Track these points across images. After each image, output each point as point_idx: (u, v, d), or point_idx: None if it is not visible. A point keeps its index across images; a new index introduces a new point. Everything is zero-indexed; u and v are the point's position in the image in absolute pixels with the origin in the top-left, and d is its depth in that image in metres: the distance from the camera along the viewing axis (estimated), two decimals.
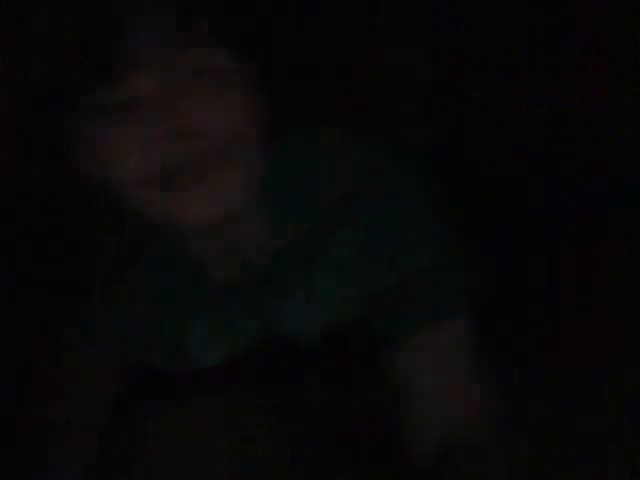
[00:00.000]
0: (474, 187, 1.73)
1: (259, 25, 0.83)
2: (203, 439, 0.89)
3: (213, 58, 0.78)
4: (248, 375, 0.93)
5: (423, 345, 0.90)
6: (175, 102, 0.76)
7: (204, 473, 0.89)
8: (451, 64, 1.72)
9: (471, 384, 0.90)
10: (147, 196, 0.78)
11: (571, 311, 1.56)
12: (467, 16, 1.70)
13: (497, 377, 0.96)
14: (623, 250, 1.61)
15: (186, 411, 0.90)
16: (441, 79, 1.71)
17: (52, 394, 0.96)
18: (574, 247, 1.64)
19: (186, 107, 0.76)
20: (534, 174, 1.73)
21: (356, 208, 0.90)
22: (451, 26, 1.70)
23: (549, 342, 1.52)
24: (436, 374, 0.90)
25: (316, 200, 0.89)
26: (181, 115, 0.76)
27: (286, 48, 0.87)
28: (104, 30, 0.73)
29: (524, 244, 1.63)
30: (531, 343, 1.49)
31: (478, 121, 1.76)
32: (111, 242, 0.90)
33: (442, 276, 0.92)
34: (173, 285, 0.91)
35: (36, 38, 0.74)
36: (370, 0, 1.59)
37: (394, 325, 0.90)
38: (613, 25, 1.67)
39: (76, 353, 0.94)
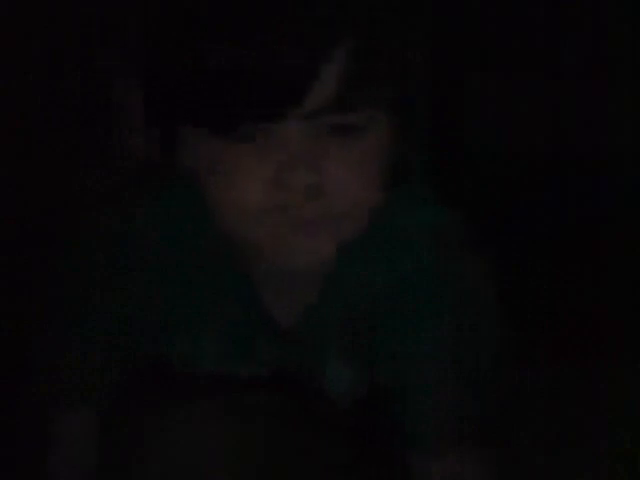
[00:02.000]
0: (474, 187, 1.73)
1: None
2: (203, 439, 0.89)
3: (365, 117, 0.76)
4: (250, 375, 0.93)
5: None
6: (314, 158, 0.73)
7: (204, 473, 0.89)
8: (451, 64, 1.71)
9: None
10: (253, 229, 0.76)
11: (571, 311, 1.56)
12: (467, 16, 1.70)
13: (497, 377, 0.95)
14: (623, 250, 1.61)
15: (186, 411, 0.90)
16: (441, 79, 1.70)
17: (52, 394, 0.97)
18: (574, 247, 1.64)
19: (325, 165, 0.74)
20: (534, 174, 1.73)
21: None
22: (451, 26, 1.69)
23: (549, 342, 1.52)
24: None
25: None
26: (317, 172, 0.73)
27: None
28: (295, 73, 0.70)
29: (524, 244, 1.63)
30: (531, 343, 1.49)
31: (478, 121, 1.76)
32: (111, 242, 0.90)
33: None
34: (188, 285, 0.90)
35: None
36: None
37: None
38: (613, 25, 1.67)
39: (76, 352, 0.94)
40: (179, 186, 0.84)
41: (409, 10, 0.78)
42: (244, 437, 0.89)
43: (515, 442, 1.30)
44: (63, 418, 0.98)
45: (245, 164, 0.75)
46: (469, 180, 1.73)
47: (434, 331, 0.85)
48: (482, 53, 1.72)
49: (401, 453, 0.88)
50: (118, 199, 0.89)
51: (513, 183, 1.73)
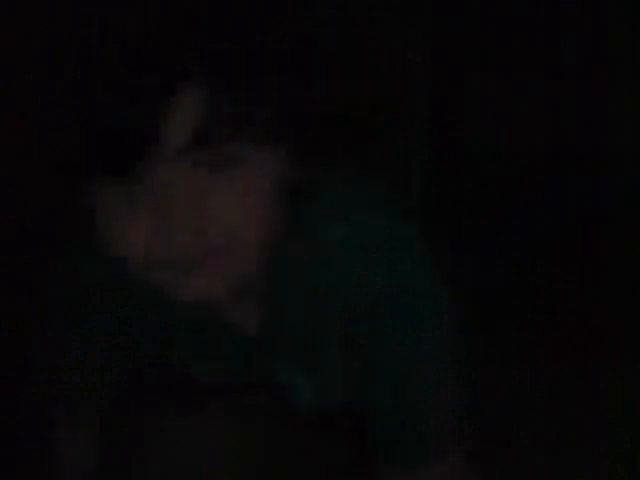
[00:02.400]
0: (474, 187, 1.73)
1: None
2: (203, 439, 0.89)
3: (246, 149, 0.73)
4: (248, 377, 0.94)
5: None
6: (197, 197, 0.73)
7: (204, 474, 0.89)
8: (451, 64, 1.72)
9: None
10: (149, 272, 0.77)
11: (571, 311, 1.57)
12: (467, 16, 1.70)
13: (497, 377, 0.96)
14: (623, 250, 1.62)
15: (186, 411, 0.90)
16: (441, 79, 1.71)
17: (52, 394, 0.97)
18: (574, 247, 1.64)
19: (208, 203, 0.73)
20: (534, 174, 1.73)
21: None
22: (451, 26, 1.70)
23: (549, 342, 1.52)
24: None
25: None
26: (201, 211, 0.73)
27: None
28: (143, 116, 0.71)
29: (524, 244, 1.63)
30: (531, 343, 1.49)
31: (478, 121, 1.76)
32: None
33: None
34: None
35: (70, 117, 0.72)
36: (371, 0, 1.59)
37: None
38: (613, 25, 1.68)
39: (76, 352, 0.94)
40: None
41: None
42: (244, 437, 0.89)
43: (515, 442, 1.30)
44: (63, 418, 0.98)
45: (124, 211, 0.75)
46: (469, 180, 1.74)
47: (407, 341, 0.85)
48: (482, 53, 1.72)
49: (389, 462, 0.88)
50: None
51: (513, 183, 1.73)
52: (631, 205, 1.67)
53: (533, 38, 1.70)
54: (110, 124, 0.70)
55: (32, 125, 0.76)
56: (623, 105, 1.69)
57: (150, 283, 0.78)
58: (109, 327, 0.93)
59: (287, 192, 0.78)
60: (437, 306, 0.85)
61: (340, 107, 0.86)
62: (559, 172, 1.72)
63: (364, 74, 1.55)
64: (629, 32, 1.66)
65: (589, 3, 1.66)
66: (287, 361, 0.90)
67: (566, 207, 1.70)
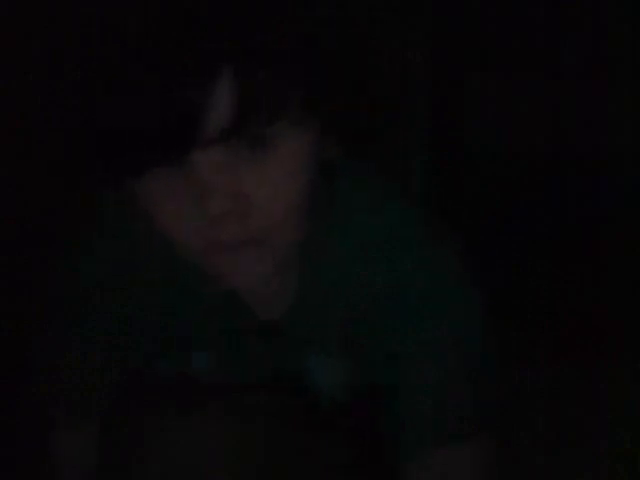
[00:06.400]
0: (474, 187, 1.73)
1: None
2: (203, 439, 0.89)
3: (282, 130, 0.74)
4: (249, 375, 0.94)
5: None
6: (236, 181, 0.74)
7: (204, 474, 0.89)
8: (451, 64, 1.72)
9: None
10: (194, 253, 0.78)
11: (571, 311, 1.57)
12: (467, 16, 1.70)
13: (498, 377, 0.95)
14: (623, 250, 1.62)
15: (186, 411, 0.90)
16: (441, 79, 1.71)
17: (52, 394, 0.97)
18: (574, 247, 1.64)
19: (245, 187, 0.74)
20: (534, 174, 1.73)
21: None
22: (451, 26, 1.70)
23: (549, 342, 1.52)
24: None
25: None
26: (239, 195, 0.74)
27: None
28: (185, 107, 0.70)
29: (524, 244, 1.64)
30: (531, 343, 1.50)
31: (478, 121, 1.76)
32: (108, 242, 0.90)
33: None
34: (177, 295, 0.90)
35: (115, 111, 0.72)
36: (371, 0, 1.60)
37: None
38: (613, 25, 1.68)
39: (76, 352, 0.94)
40: None
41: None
42: (244, 437, 0.89)
43: (515, 442, 1.30)
44: (63, 418, 0.98)
45: (166, 198, 0.76)
46: (469, 180, 1.74)
47: (419, 333, 0.85)
48: (482, 53, 1.72)
49: (394, 454, 0.88)
50: (119, 200, 0.89)
51: (513, 183, 1.73)
52: (631, 205, 1.67)
53: (533, 38, 1.70)
54: (152, 111, 0.70)
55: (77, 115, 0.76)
56: (623, 105, 1.69)
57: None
58: (109, 327, 0.93)
59: (321, 173, 0.79)
60: (438, 306, 0.85)
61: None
62: (559, 172, 1.72)
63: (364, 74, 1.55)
64: (629, 32, 1.66)
65: (589, 3, 1.66)
66: (312, 344, 0.91)
67: (566, 207, 1.70)
